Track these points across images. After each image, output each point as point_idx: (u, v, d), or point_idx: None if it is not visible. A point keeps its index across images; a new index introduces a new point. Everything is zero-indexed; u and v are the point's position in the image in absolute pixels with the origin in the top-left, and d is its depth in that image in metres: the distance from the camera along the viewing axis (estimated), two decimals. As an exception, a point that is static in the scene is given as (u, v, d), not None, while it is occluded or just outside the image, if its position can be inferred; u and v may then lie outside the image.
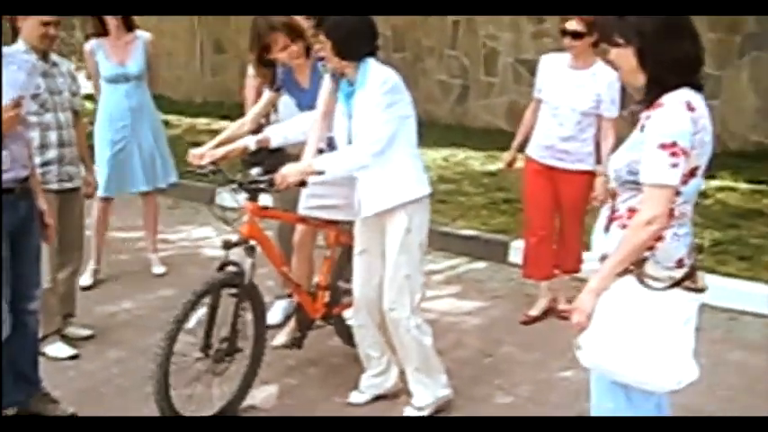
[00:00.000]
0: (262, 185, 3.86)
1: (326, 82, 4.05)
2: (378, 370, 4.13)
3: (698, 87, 2.65)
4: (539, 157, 4.99)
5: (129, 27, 5.62)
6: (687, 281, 2.66)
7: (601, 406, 2.83)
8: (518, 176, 7.82)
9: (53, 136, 4.59)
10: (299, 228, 4.41)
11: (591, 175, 4.86)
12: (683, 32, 2.63)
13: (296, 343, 4.38)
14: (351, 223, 4.33)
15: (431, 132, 8.09)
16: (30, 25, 4.46)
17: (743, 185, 7.44)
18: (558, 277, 5.20)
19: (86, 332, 4.94)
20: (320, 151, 4.23)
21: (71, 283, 4.94)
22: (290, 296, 4.73)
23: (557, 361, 4.53)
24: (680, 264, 2.68)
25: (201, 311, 3.73)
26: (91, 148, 5.27)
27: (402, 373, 4.09)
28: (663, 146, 2.54)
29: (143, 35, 5.70)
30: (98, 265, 5.82)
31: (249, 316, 3.94)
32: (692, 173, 2.62)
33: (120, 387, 4.33)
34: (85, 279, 5.64)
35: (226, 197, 7.24)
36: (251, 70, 5.25)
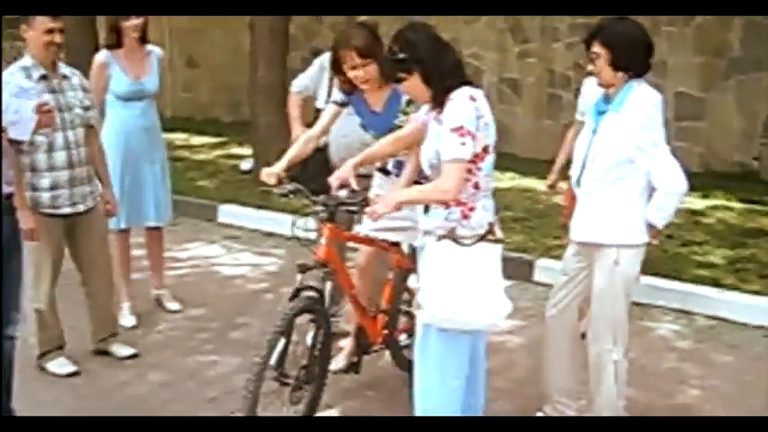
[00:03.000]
0: (353, 207, 3.71)
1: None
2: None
3: (472, 84, 3.28)
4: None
5: (144, 40, 5.09)
6: (488, 235, 3.29)
7: (426, 354, 3.39)
8: (515, 194, 7.97)
9: (62, 157, 4.33)
10: (365, 250, 4.28)
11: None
12: (444, 46, 3.31)
13: (353, 368, 4.33)
14: (410, 247, 4.32)
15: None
16: (33, 36, 4.24)
17: (736, 205, 7.64)
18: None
19: (130, 351, 4.79)
20: (385, 172, 4.22)
21: (106, 304, 4.77)
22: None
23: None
24: (486, 226, 3.29)
25: (280, 343, 3.62)
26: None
27: None
28: (453, 129, 3.15)
29: (156, 50, 5.21)
30: (132, 302, 5.33)
31: (321, 339, 3.89)
32: (485, 150, 3.24)
33: (175, 413, 4.19)
34: (129, 320, 5.22)
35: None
36: (294, 87, 5.22)
